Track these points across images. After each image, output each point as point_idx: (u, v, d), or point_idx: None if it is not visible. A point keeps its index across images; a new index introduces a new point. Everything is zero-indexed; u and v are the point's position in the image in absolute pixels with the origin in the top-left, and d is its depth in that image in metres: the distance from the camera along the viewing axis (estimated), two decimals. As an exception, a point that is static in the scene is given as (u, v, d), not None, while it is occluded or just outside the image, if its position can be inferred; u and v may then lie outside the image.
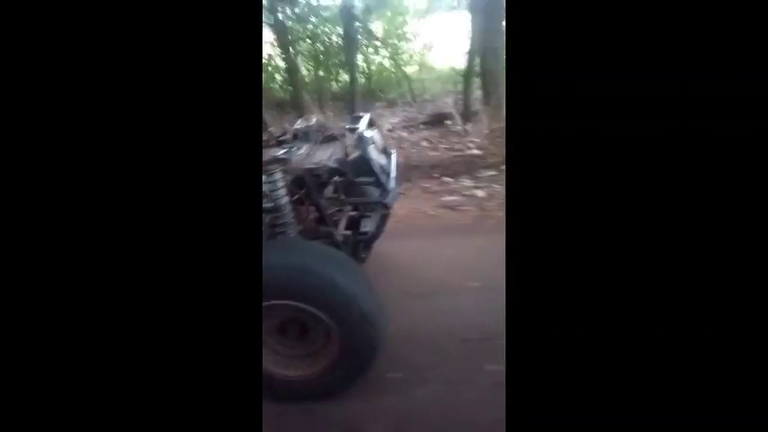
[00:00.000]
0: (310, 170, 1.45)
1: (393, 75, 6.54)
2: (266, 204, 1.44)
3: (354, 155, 1.50)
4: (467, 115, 4.65)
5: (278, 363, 1.37)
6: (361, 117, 1.67)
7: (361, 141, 1.45)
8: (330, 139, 1.75)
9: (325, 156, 1.57)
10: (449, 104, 5.15)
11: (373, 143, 1.57)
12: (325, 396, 1.35)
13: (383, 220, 1.59)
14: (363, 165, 1.49)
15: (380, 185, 1.46)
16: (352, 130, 1.48)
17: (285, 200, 1.42)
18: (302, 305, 1.24)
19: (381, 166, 1.52)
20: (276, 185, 1.40)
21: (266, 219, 1.50)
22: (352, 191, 1.72)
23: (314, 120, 1.81)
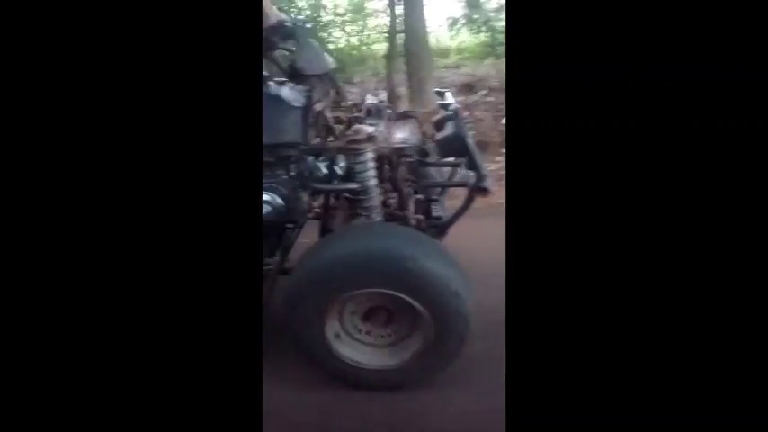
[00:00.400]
0: (398, 149, 1.35)
1: (352, 53, 6.05)
2: (353, 185, 1.34)
3: (447, 133, 1.40)
4: (392, 98, 4.54)
5: (360, 352, 1.31)
6: (443, 92, 1.56)
7: (456, 118, 1.34)
8: (403, 116, 1.64)
9: (405, 134, 1.47)
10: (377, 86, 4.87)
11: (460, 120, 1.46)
12: (414, 384, 1.30)
13: (467, 203, 1.50)
14: (458, 143, 1.38)
15: (475, 167, 1.36)
16: (445, 106, 1.37)
17: (374, 181, 1.33)
18: (391, 292, 1.17)
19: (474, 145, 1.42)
20: (366, 166, 1.30)
21: (348, 201, 1.41)
22: (422, 172, 1.63)
23: (384, 95, 1.69)
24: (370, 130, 1.30)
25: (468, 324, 1.20)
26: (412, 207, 1.64)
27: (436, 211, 1.66)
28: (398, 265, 1.12)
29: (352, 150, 1.29)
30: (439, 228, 1.61)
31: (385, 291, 1.18)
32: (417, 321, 1.22)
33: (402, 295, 1.16)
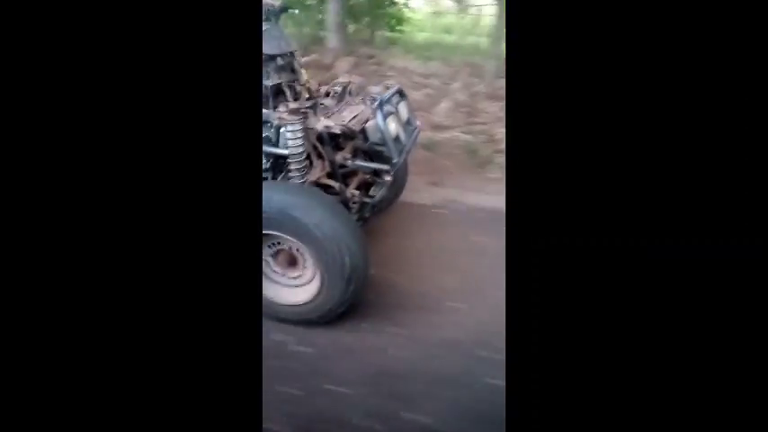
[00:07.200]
0: (327, 128, 1.59)
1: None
2: (281, 151, 1.60)
3: (371, 122, 1.61)
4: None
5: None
6: (389, 87, 1.76)
7: (379, 110, 1.55)
8: (362, 102, 1.85)
9: (347, 118, 1.69)
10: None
11: (392, 113, 1.65)
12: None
13: (388, 188, 1.70)
14: (376, 132, 1.59)
15: (387, 155, 1.57)
16: (374, 99, 1.58)
17: (299, 150, 1.57)
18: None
19: (394, 137, 1.61)
20: (292, 135, 1.55)
21: (271, 163, 1.66)
22: (370, 156, 1.84)
23: (348, 81, 1.91)
24: (295, 106, 1.55)
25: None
26: (354, 184, 1.86)
27: (374, 192, 1.86)
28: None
29: (283, 121, 1.54)
30: (370, 206, 1.82)
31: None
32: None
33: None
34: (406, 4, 6.01)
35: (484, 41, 5.26)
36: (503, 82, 3.94)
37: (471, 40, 5.82)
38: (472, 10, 6.57)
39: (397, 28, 5.78)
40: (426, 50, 5.12)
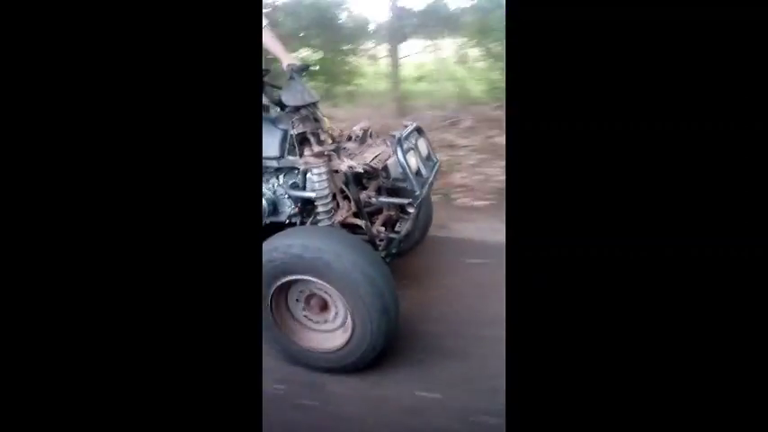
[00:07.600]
0: (351, 168, 1.62)
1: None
2: (308, 194, 1.63)
3: (392, 159, 1.63)
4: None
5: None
6: (408, 125, 1.80)
7: (398, 146, 1.58)
8: (382, 143, 1.90)
9: (369, 158, 1.72)
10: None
11: (412, 149, 1.68)
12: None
13: (413, 223, 1.68)
14: (396, 168, 1.61)
15: (410, 189, 1.58)
16: (394, 136, 1.62)
17: (325, 192, 1.60)
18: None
19: (415, 171, 1.62)
20: (318, 178, 1.59)
21: (299, 207, 1.68)
22: (393, 192, 1.85)
23: (367, 124, 1.97)
24: (319, 149, 1.59)
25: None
26: (380, 221, 1.86)
27: (400, 228, 1.85)
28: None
29: (308, 165, 1.59)
30: (395, 242, 1.80)
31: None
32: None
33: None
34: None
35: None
36: (400, 119, 4.48)
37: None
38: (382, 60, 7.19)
39: (354, 82, 6.54)
40: (362, 99, 5.93)
